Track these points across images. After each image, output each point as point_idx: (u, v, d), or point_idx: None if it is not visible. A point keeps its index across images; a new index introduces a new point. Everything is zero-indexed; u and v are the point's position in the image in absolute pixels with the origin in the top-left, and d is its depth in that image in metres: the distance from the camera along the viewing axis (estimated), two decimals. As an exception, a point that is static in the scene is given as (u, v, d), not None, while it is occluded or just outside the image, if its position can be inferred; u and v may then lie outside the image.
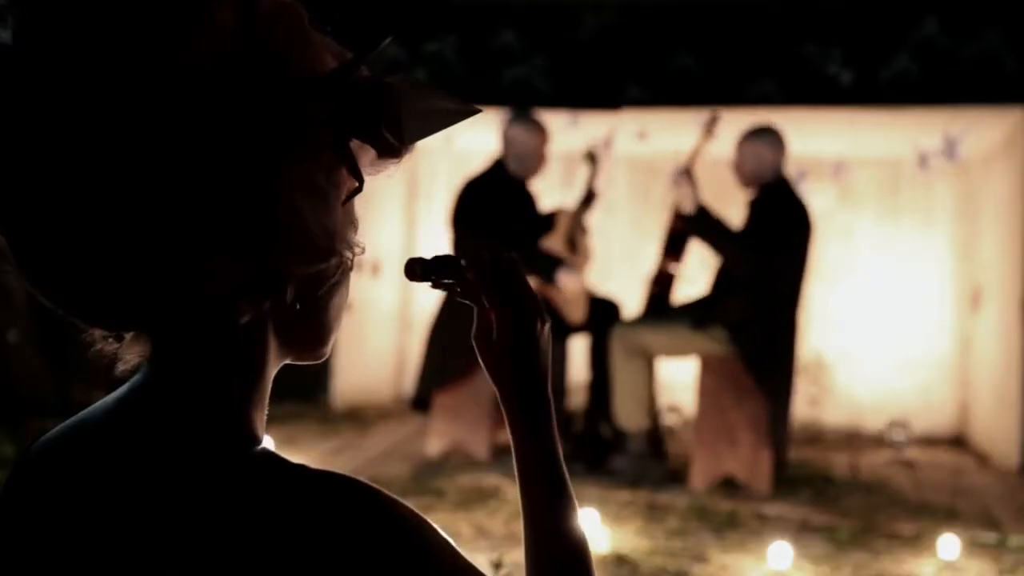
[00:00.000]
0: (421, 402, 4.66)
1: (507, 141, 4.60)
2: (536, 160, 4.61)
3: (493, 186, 4.58)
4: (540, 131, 4.60)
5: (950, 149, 5.09)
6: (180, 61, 0.68)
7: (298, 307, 0.77)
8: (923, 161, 5.28)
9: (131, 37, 0.68)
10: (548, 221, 4.70)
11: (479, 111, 0.79)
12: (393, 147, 0.76)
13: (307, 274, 0.77)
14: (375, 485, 0.74)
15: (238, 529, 0.70)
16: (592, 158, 4.79)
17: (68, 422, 0.81)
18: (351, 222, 0.79)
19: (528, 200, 4.70)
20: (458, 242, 4.59)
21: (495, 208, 4.54)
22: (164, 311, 0.74)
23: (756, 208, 4.30)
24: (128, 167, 0.68)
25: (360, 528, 0.71)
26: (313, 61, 0.74)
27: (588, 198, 4.75)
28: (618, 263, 6.11)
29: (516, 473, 0.89)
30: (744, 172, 4.33)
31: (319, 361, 0.85)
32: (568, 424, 4.70)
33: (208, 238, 0.70)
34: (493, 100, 4.91)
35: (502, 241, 4.51)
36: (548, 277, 4.52)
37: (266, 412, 0.80)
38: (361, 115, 0.74)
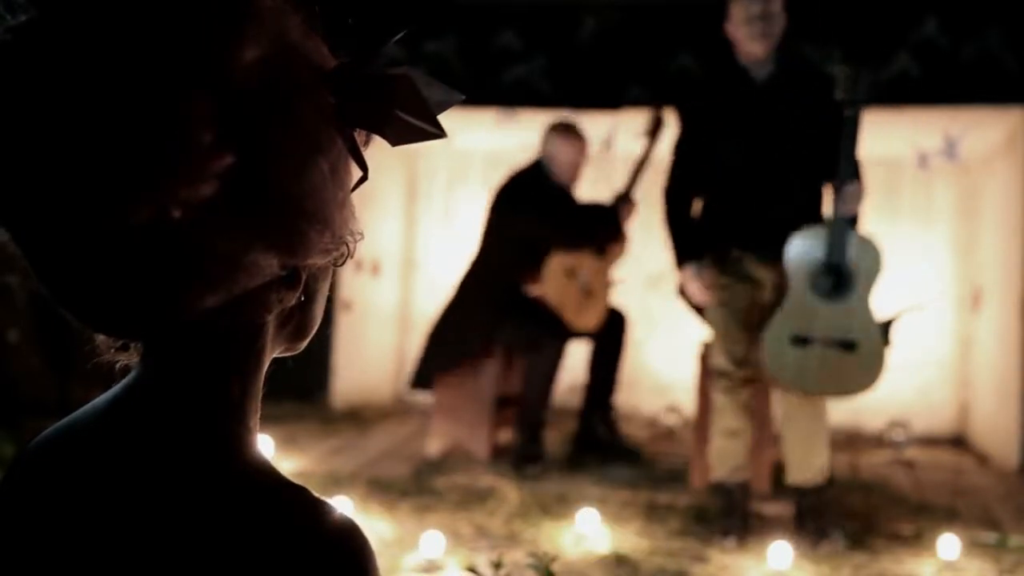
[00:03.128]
0: (423, 379, 4.65)
1: (546, 153, 4.63)
2: (574, 169, 4.65)
3: (535, 183, 4.62)
4: (579, 142, 4.62)
5: (950, 149, 5.08)
6: (233, 60, 0.67)
7: (303, 299, 0.78)
8: (923, 161, 5.27)
9: (184, 34, 0.66)
10: (590, 212, 4.69)
11: (462, 98, 0.79)
12: (429, 133, 0.76)
13: (317, 265, 0.77)
14: (350, 518, 0.74)
15: (213, 538, 0.70)
16: (658, 123, 4.56)
17: (61, 422, 0.80)
18: (351, 210, 0.80)
19: (568, 199, 4.72)
20: (496, 228, 4.60)
21: (536, 201, 4.57)
22: (188, 316, 0.72)
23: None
24: (176, 166, 0.65)
25: (319, 559, 0.71)
26: (320, 54, 0.74)
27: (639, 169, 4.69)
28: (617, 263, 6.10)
29: None
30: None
31: (297, 352, 0.85)
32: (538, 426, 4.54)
33: (252, 233, 0.69)
34: (493, 100, 4.91)
35: (543, 231, 4.48)
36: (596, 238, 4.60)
37: (259, 409, 0.80)
38: (370, 106, 0.75)
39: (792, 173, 3.50)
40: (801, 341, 3.38)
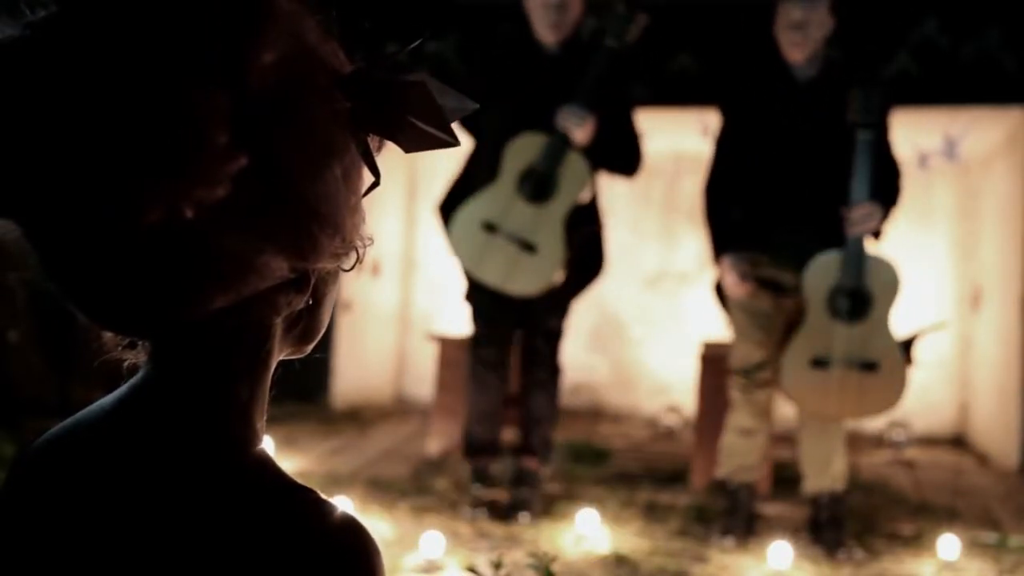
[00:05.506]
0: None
1: (528, 7, 3.63)
2: (552, 14, 3.55)
3: (509, 42, 3.76)
4: None
5: (950, 149, 5.09)
6: (250, 62, 0.67)
7: (311, 302, 0.78)
8: (923, 161, 5.28)
9: (202, 34, 0.67)
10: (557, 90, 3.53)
11: (476, 106, 0.79)
12: (442, 141, 0.76)
13: (326, 268, 0.77)
14: (355, 518, 0.74)
15: (220, 539, 0.70)
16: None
17: (66, 422, 0.80)
18: (362, 215, 0.80)
19: (545, 59, 3.64)
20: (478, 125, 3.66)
21: (498, 60, 3.72)
22: (197, 314, 0.72)
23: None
24: (190, 166, 0.65)
25: (325, 560, 0.71)
26: (336, 58, 0.74)
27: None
28: (617, 263, 6.11)
29: None
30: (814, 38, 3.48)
31: (302, 356, 0.85)
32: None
33: (264, 235, 0.69)
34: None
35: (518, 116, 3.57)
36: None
37: (266, 411, 0.80)
38: (384, 112, 0.75)
39: (825, 179, 3.44)
40: (821, 363, 3.36)
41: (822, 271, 3.36)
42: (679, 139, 5.64)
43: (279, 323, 0.78)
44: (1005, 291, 5.00)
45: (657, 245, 6.15)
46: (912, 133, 5.12)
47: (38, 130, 0.65)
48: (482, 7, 5.08)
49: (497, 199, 3.55)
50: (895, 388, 3.38)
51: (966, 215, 5.80)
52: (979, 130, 5.08)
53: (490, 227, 3.55)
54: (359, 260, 0.79)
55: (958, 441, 5.59)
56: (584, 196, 3.57)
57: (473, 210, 3.59)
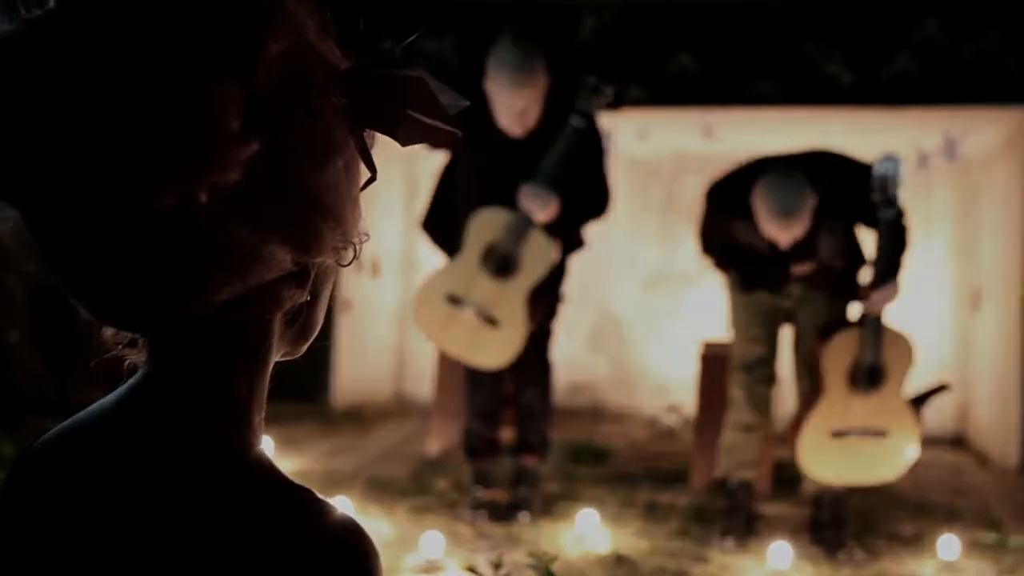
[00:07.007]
0: None
1: (488, 93, 3.51)
2: (516, 115, 3.49)
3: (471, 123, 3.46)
4: (521, 88, 3.42)
5: (950, 149, 5.09)
6: (260, 51, 0.68)
7: (308, 298, 0.78)
8: (923, 161, 5.28)
9: (214, 21, 0.67)
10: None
11: (467, 103, 0.79)
12: (441, 132, 0.76)
13: (326, 263, 0.77)
14: (353, 518, 0.74)
15: (218, 539, 0.70)
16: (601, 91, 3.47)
17: (66, 423, 0.80)
18: (360, 211, 0.80)
19: (509, 148, 3.56)
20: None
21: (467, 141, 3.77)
22: (202, 308, 0.72)
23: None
24: (204, 150, 0.66)
25: (323, 560, 0.71)
26: (333, 55, 0.74)
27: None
28: (617, 263, 6.11)
29: None
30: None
31: (297, 356, 0.85)
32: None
33: (271, 224, 0.70)
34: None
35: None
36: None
37: (263, 410, 0.80)
38: (382, 107, 0.75)
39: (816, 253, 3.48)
40: (839, 435, 3.41)
41: (842, 348, 3.38)
42: (679, 139, 5.64)
43: (278, 320, 0.78)
44: (1005, 291, 5.00)
45: (657, 246, 6.15)
46: (912, 133, 5.12)
47: (53, 117, 0.66)
48: (482, 7, 5.08)
49: (461, 273, 3.56)
50: (903, 454, 3.46)
51: (966, 215, 5.80)
52: (979, 130, 5.08)
53: (454, 300, 3.56)
54: (356, 256, 0.79)
55: (958, 441, 5.59)
56: (553, 259, 3.56)
57: (437, 282, 3.61)
